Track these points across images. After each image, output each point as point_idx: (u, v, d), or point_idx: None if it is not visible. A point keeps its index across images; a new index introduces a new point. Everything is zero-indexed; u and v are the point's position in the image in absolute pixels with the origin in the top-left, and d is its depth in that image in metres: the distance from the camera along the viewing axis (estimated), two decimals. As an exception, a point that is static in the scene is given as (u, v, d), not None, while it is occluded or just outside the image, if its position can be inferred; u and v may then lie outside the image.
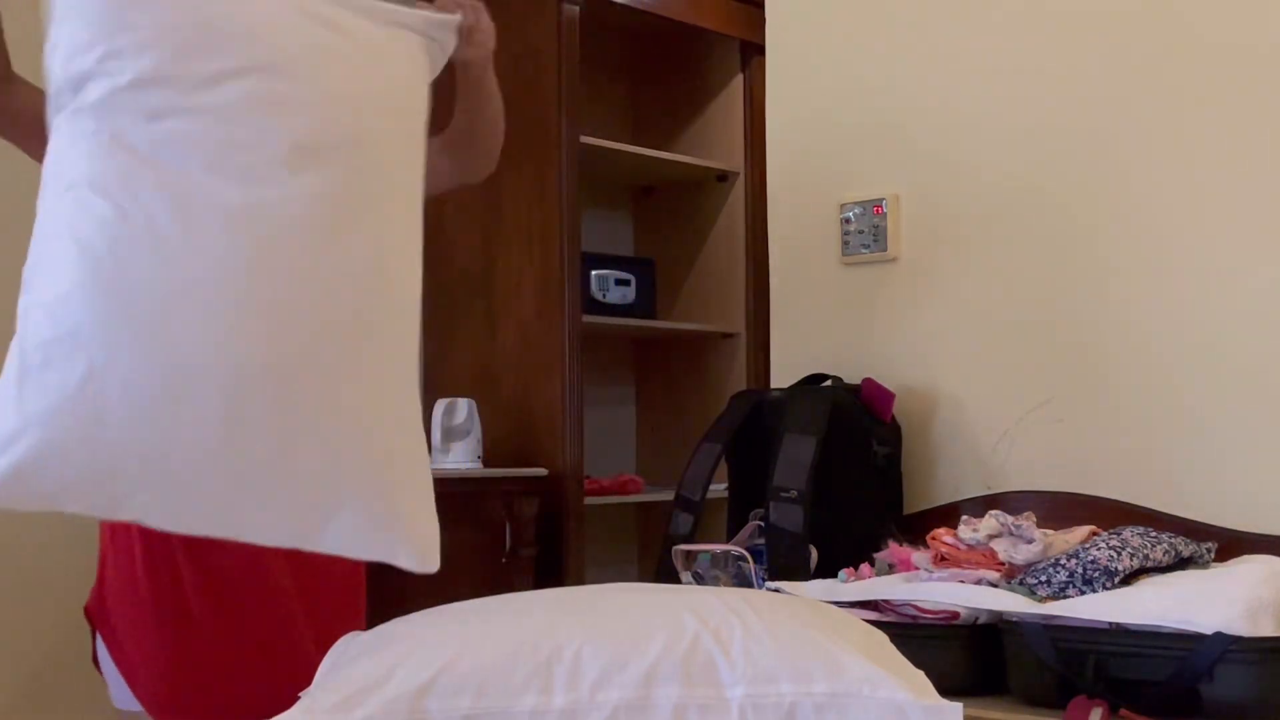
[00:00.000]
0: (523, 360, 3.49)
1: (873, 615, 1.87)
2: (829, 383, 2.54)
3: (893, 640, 1.48)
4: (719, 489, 2.53)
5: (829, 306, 2.66)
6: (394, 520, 1.43)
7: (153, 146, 1.37)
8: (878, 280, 2.59)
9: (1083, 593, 1.82)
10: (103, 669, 1.83)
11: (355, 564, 1.83)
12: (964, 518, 2.01)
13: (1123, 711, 1.67)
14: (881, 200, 2.57)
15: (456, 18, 1.71)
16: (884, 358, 2.56)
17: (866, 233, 2.58)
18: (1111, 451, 2.29)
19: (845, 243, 2.62)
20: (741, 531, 2.43)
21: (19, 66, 1.93)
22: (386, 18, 1.56)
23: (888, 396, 2.45)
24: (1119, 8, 2.33)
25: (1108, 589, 1.81)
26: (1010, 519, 1.96)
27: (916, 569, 2.00)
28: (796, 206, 2.73)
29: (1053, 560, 1.88)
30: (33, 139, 1.76)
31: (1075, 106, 2.36)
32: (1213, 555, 1.96)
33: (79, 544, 3.27)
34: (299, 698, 1.29)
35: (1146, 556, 1.86)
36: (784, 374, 2.68)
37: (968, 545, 1.96)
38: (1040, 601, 1.82)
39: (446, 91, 1.83)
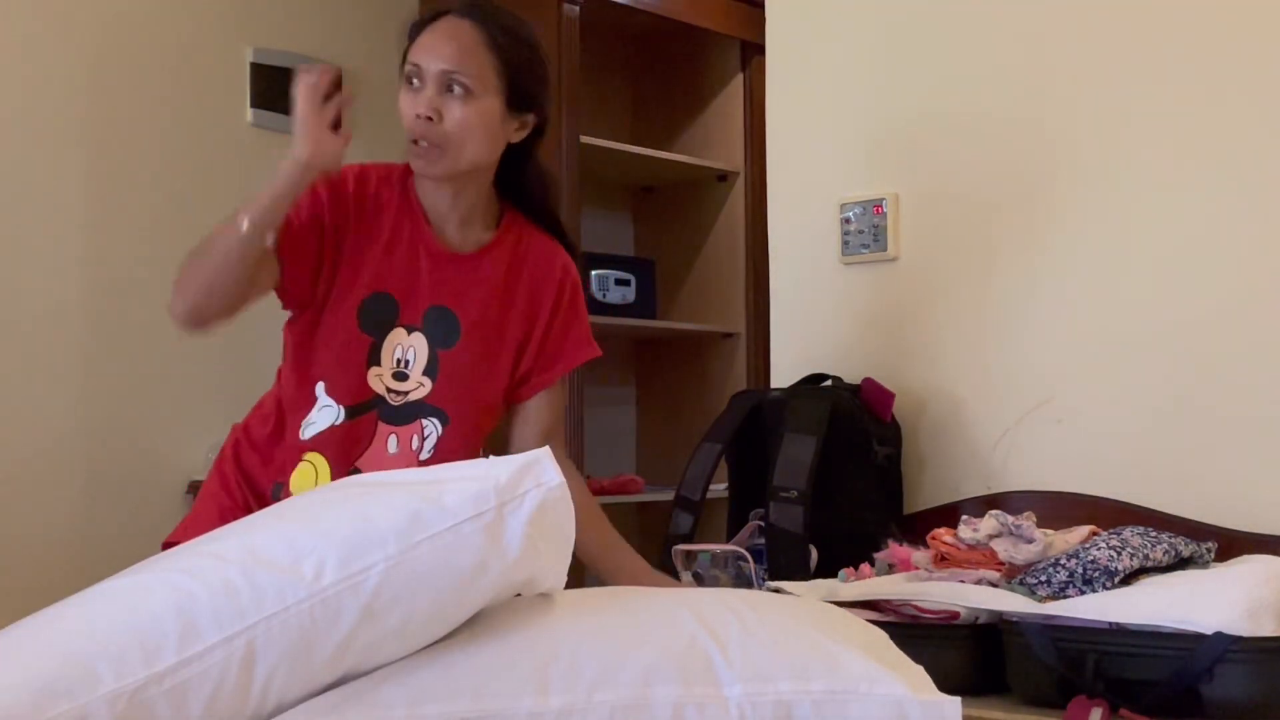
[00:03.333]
0: (523, 360, 3.48)
1: (873, 615, 1.87)
2: (829, 383, 2.54)
3: (893, 640, 1.48)
4: (719, 489, 2.53)
5: (829, 306, 2.65)
6: None
7: None
8: (878, 280, 2.59)
9: (1083, 593, 1.82)
10: None
11: None
12: (964, 518, 2.01)
13: (1123, 711, 1.67)
14: (881, 200, 2.57)
15: None
16: (884, 358, 2.56)
17: (866, 233, 2.58)
18: (1111, 451, 2.29)
19: (845, 243, 2.61)
20: (741, 531, 2.43)
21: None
22: None
23: (888, 396, 2.45)
24: (1124, 8, 2.32)
25: (1108, 589, 1.81)
26: (1010, 519, 1.95)
27: (916, 569, 2.00)
28: (796, 206, 2.72)
29: (1053, 560, 1.88)
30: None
31: (1077, 106, 2.36)
32: (1213, 555, 1.96)
33: (79, 543, 3.27)
34: None
35: (1146, 556, 1.86)
36: (784, 374, 2.67)
37: (968, 545, 1.96)
38: (1040, 601, 1.82)
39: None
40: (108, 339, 3.39)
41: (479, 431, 2.11)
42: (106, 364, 3.38)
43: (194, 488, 3.49)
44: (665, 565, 2.33)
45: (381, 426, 2.04)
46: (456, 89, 1.99)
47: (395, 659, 1.29)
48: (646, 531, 4.35)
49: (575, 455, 3.71)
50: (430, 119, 1.97)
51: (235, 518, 1.70)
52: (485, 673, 1.27)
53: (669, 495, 2.55)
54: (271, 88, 3.55)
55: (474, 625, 1.34)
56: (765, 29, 2.80)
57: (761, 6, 2.83)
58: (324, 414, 2.03)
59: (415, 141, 1.99)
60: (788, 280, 2.73)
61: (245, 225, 1.86)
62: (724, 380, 4.20)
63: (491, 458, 1.40)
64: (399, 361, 2.04)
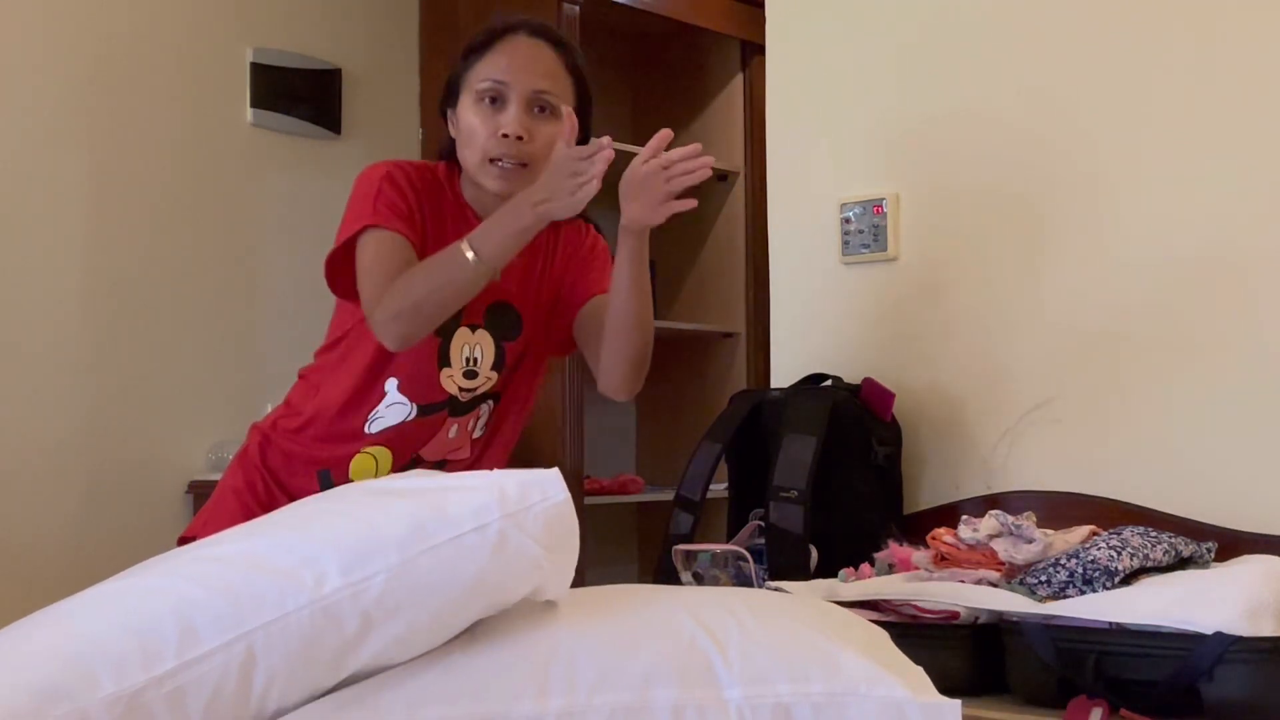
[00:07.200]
0: (523, 360, 3.48)
1: (873, 615, 1.87)
2: (829, 383, 2.54)
3: (893, 640, 1.48)
4: (719, 489, 2.53)
5: (829, 306, 2.65)
6: None
7: None
8: (878, 280, 2.59)
9: (1083, 593, 1.82)
10: None
11: None
12: (964, 518, 2.01)
13: (1123, 711, 1.67)
14: (881, 200, 2.57)
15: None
16: (884, 358, 2.56)
17: (866, 233, 2.58)
18: (1111, 451, 2.29)
19: (845, 243, 2.61)
20: (741, 531, 2.43)
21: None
22: None
23: (888, 396, 2.45)
24: (1123, 8, 2.32)
25: (1108, 589, 1.81)
26: (1010, 519, 1.95)
27: (916, 569, 2.00)
28: (796, 206, 2.72)
29: (1053, 560, 1.88)
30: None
31: (1078, 105, 2.36)
32: (1213, 555, 1.96)
33: (79, 543, 3.28)
34: None
35: (1146, 556, 1.86)
36: (784, 374, 2.67)
37: (968, 545, 1.96)
38: (1040, 601, 1.82)
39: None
40: (108, 339, 3.39)
41: (525, 403, 2.19)
42: (106, 365, 3.39)
43: (194, 488, 3.49)
44: (665, 565, 2.33)
45: (449, 420, 2.10)
46: (545, 109, 2.03)
47: (396, 665, 1.29)
48: (646, 531, 4.36)
49: (575, 455, 3.71)
50: (520, 138, 1.99)
51: (258, 514, 1.71)
52: (485, 675, 1.27)
53: (669, 495, 2.55)
54: (271, 88, 3.55)
55: (474, 627, 1.34)
56: (765, 29, 2.80)
57: (761, 6, 2.83)
58: (394, 410, 2.07)
59: (493, 160, 2.00)
60: (788, 280, 2.73)
61: (482, 264, 1.89)
62: (724, 380, 4.20)
63: (497, 470, 1.40)
64: (468, 360, 2.08)
